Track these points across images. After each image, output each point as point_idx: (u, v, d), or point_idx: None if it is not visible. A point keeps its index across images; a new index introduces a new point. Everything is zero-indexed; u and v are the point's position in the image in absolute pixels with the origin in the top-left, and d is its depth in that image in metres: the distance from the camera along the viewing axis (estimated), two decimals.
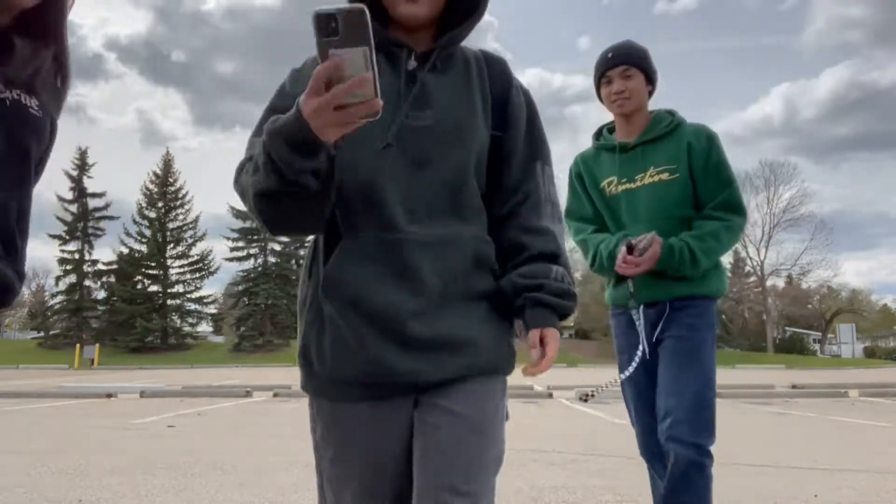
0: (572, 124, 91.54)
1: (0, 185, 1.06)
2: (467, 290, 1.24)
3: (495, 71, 1.37)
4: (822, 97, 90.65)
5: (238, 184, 1.22)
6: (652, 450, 2.16)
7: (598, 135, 2.40)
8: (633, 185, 2.21)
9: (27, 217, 1.13)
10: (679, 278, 2.11)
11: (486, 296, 1.27)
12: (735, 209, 2.18)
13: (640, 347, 2.10)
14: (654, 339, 2.14)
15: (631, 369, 2.11)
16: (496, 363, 1.27)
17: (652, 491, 2.21)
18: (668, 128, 2.23)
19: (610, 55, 2.23)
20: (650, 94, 2.28)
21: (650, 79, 2.26)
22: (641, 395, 2.18)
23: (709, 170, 2.17)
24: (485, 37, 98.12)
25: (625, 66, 2.20)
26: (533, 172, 1.34)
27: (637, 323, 2.14)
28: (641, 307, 2.14)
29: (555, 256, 1.30)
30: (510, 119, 1.34)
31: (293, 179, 1.07)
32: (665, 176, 2.17)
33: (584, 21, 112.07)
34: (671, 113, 2.30)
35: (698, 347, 2.08)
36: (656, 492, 2.17)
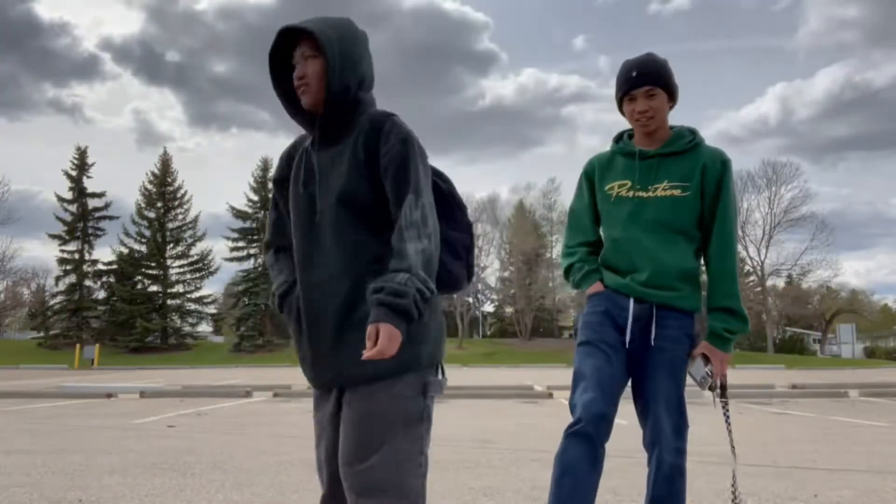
0: (568, 125, 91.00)
1: None
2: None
3: (375, 124, 1.71)
4: (818, 97, 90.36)
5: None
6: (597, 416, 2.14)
7: (619, 139, 2.44)
8: (644, 194, 2.27)
9: None
10: (668, 285, 2.23)
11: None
12: (731, 237, 2.33)
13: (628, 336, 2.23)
14: (650, 341, 2.23)
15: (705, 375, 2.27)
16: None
17: (560, 463, 2.17)
18: (688, 145, 2.29)
19: (634, 74, 2.25)
20: (671, 108, 2.33)
21: (672, 96, 2.30)
22: (604, 373, 2.19)
23: (718, 194, 2.27)
24: (480, 37, 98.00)
25: (650, 86, 2.23)
26: (403, 203, 1.63)
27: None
28: (631, 300, 2.25)
29: (405, 269, 1.56)
30: (383, 164, 1.67)
31: None
32: (677, 192, 2.24)
33: (579, 21, 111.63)
34: (693, 132, 2.35)
35: (681, 360, 2.24)
36: (565, 465, 2.16)
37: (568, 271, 2.43)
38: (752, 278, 51.48)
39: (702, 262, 2.36)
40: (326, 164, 1.74)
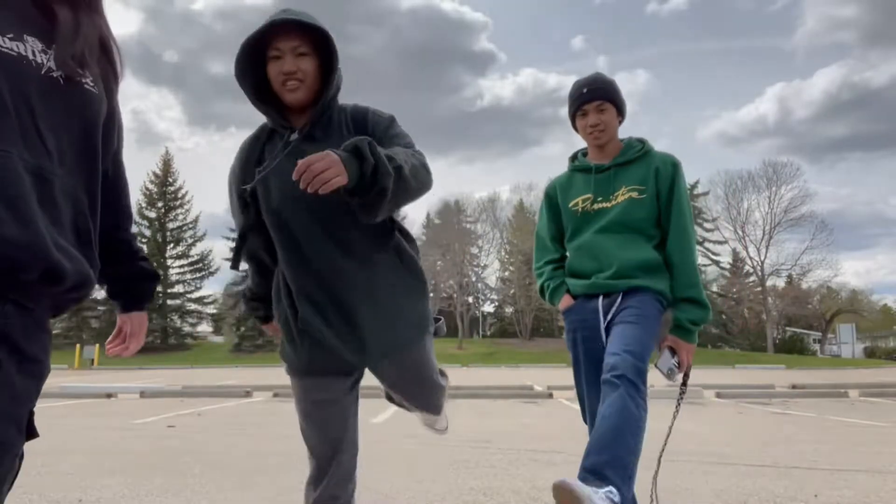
0: (566, 125, 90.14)
1: (70, 171, 1.04)
2: None
3: (358, 115, 1.84)
4: (816, 97, 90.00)
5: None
6: None
7: (574, 158, 2.62)
8: (607, 204, 2.42)
9: (96, 199, 1.10)
10: (632, 275, 2.31)
11: None
12: (687, 231, 2.40)
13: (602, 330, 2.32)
14: (605, 325, 2.32)
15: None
16: None
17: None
18: (638, 153, 2.46)
19: (585, 90, 2.44)
20: (620, 123, 2.50)
21: (620, 111, 2.47)
22: (592, 384, 2.33)
23: (671, 193, 2.40)
24: (479, 37, 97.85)
25: (599, 100, 2.42)
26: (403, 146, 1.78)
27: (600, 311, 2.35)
28: (599, 299, 2.35)
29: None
30: (377, 133, 1.80)
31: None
32: (635, 194, 2.39)
33: (577, 22, 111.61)
34: (641, 141, 2.52)
35: (645, 316, 2.23)
36: None
37: (542, 292, 2.57)
38: (752, 278, 51.46)
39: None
40: None
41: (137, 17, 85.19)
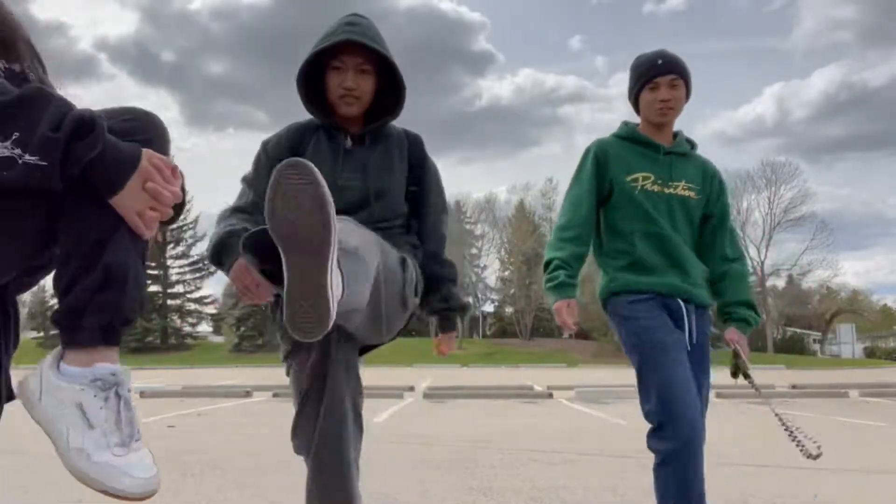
0: (565, 125, 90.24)
1: None
2: None
3: (416, 149, 1.96)
4: (814, 97, 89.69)
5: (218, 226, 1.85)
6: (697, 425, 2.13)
7: (626, 125, 2.40)
8: (667, 190, 2.27)
9: None
10: (701, 285, 2.30)
11: None
12: (740, 249, 2.46)
13: (686, 335, 2.23)
14: (693, 338, 2.26)
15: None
16: None
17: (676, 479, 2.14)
18: (690, 149, 2.38)
19: (661, 62, 2.24)
20: (684, 104, 2.35)
21: (688, 93, 2.31)
22: (689, 378, 2.16)
23: (723, 203, 2.38)
24: (477, 38, 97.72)
25: (674, 75, 2.23)
26: (440, 216, 2.01)
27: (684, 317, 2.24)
28: (681, 302, 2.24)
29: (455, 279, 2.04)
30: (425, 180, 1.96)
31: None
32: (692, 194, 2.30)
33: (575, 22, 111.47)
34: (688, 140, 2.41)
35: (708, 360, 2.33)
36: (690, 474, 2.13)
37: (548, 265, 2.31)
38: (752, 278, 51.43)
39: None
40: (375, 165, 1.86)
41: (134, 16, 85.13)
